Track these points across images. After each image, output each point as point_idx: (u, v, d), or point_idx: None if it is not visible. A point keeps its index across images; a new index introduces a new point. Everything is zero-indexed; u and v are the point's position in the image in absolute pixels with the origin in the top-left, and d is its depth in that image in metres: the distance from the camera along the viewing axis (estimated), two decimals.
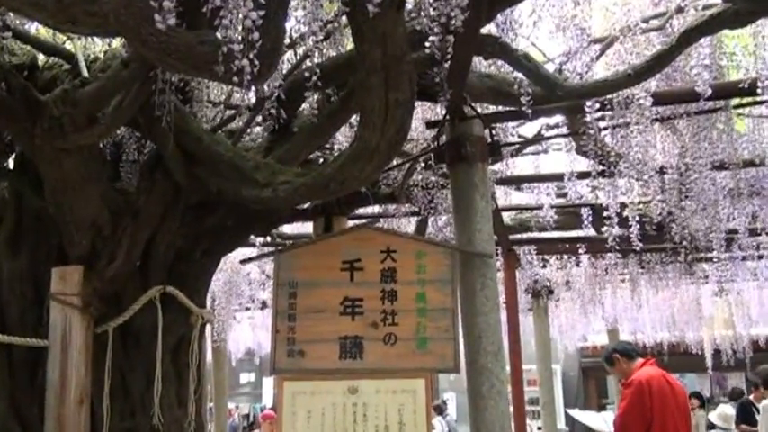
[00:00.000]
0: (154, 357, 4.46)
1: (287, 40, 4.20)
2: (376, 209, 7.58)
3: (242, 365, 24.33)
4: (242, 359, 21.11)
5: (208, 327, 5.34)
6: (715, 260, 8.76)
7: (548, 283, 12.95)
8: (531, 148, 7.17)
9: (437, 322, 4.31)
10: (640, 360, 7.66)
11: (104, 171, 4.39)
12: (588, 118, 4.89)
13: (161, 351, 4.48)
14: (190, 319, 4.74)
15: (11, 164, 4.71)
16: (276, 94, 3.94)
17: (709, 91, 4.70)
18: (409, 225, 7.92)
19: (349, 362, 4.30)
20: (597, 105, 4.85)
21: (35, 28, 4.61)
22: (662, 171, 6.34)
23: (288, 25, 3.45)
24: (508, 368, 5.87)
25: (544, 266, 11.10)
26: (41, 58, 4.50)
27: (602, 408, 19.34)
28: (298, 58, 4.56)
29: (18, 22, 4.07)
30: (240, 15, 2.60)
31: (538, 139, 6.70)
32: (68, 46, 4.53)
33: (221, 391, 13.13)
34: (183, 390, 4.77)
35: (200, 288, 4.98)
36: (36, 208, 4.49)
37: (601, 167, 6.07)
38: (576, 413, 16.21)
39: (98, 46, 4.59)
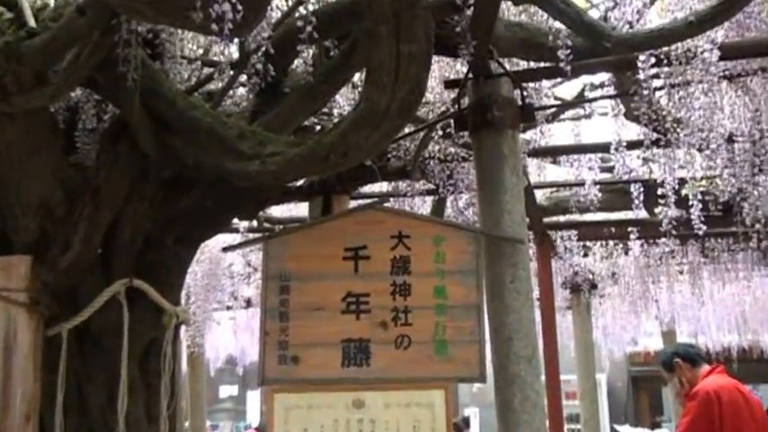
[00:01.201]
0: (118, 365, 4.45)
1: None
2: (384, 186, 7.57)
3: (222, 376, 24.41)
4: (222, 369, 21.17)
5: (183, 329, 5.32)
6: None
7: (590, 276, 12.88)
8: (570, 113, 7.15)
9: (459, 322, 4.32)
10: (707, 367, 7.33)
11: (57, 141, 4.35)
12: (640, 75, 4.87)
13: (126, 357, 4.46)
14: (161, 318, 4.72)
15: None
16: (264, 48, 3.92)
17: None
18: (424, 206, 7.91)
19: (353, 370, 4.31)
20: (652, 60, 4.82)
21: None
22: (730, 139, 6.29)
23: None
24: (543, 377, 5.86)
25: (586, 255, 11.07)
26: None
27: (655, 426, 19.37)
28: (290, 3, 4.54)
29: None
30: None
31: (579, 101, 6.67)
32: None
33: (198, 406, 13.16)
34: (154, 404, 4.76)
35: (174, 282, 4.97)
36: None
37: (655, 135, 6.05)
38: (627, 431, 16.21)
39: None
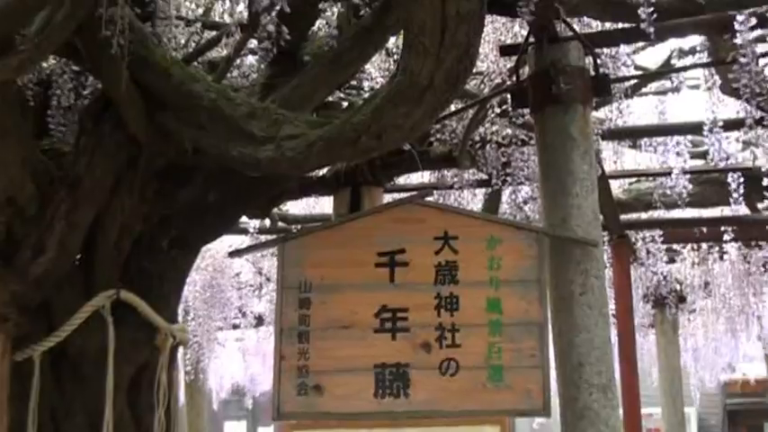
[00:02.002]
0: (102, 397, 4.45)
1: None
2: (426, 176, 7.56)
3: (227, 409, 24.54)
4: (228, 401, 21.29)
5: (181, 351, 5.33)
6: None
7: (677, 287, 12.83)
8: (654, 85, 7.11)
9: (518, 342, 4.31)
10: None
11: (26, 122, 4.34)
12: (739, 39, 4.82)
13: (112, 386, 4.47)
14: (155, 339, 4.73)
15: None
16: (279, 6, 3.89)
17: None
18: (475, 200, 7.90)
19: (389, 401, 4.30)
20: (753, 20, 4.77)
21: None
22: None
23: None
24: (620, 411, 5.84)
25: (672, 261, 11.03)
26: None
27: None
28: None
29: None
30: None
31: (665, 71, 6.64)
32: None
33: None
34: None
35: (170, 294, 4.97)
36: None
37: (759, 113, 5.99)
38: None
39: None
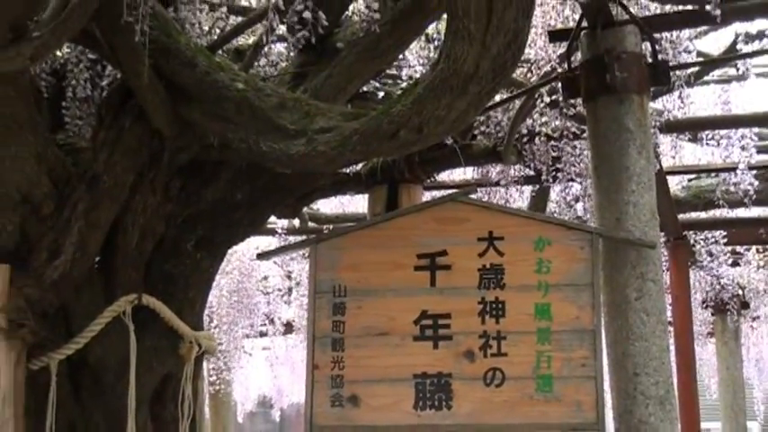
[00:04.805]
0: (123, 407, 4.47)
1: None
2: (469, 172, 7.56)
3: (254, 422, 24.58)
4: (254, 413, 21.32)
5: (206, 361, 5.35)
6: None
7: (740, 292, 12.77)
8: (717, 73, 7.08)
9: (569, 351, 4.30)
10: None
11: (40, 115, 4.35)
12: None
13: (134, 398, 4.49)
14: (179, 347, 4.75)
15: None
16: None
17: None
18: (522, 198, 7.89)
19: (430, 414, 4.31)
20: None
21: None
22: None
23: None
24: (678, 425, 5.83)
25: (735, 264, 10.99)
26: None
27: None
28: None
29: None
30: None
31: (730, 57, 6.61)
32: None
33: None
34: None
35: (195, 299, 5.00)
36: None
37: None
38: None
39: None
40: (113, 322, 4.46)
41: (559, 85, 5.21)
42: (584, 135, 5.33)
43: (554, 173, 6.61)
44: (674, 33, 5.70)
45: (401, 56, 5.19)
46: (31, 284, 4.25)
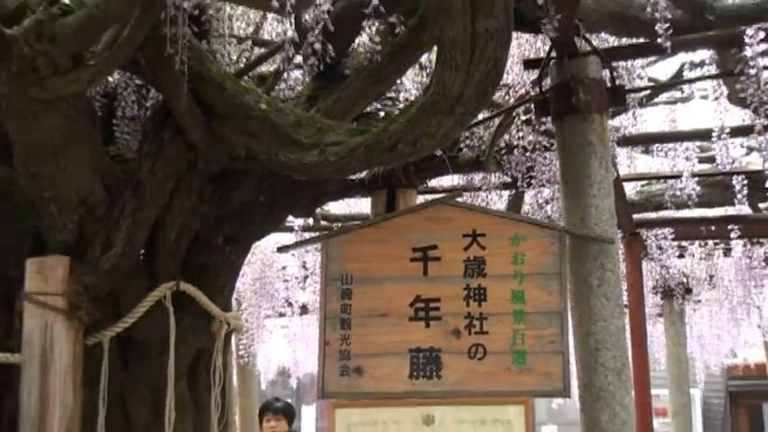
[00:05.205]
0: (164, 377, 4.47)
1: None
2: (456, 179, 7.55)
3: (274, 389, 24.46)
4: (274, 381, 21.20)
5: (234, 337, 5.34)
6: None
7: (684, 280, 12.76)
8: (665, 96, 7.09)
9: (540, 330, 4.29)
10: None
11: (95, 131, 4.31)
12: (748, 52, 4.79)
13: (173, 369, 4.49)
14: (211, 326, 4.75)
15: None
16: (323, 24, 3.88)
17: None
18: (500, 201, 7.88)
19: (422, 382, 4.30)
20: (761, 35, 4.75)
21: None
22: None
23: None
24: (632, 392, 5.82)
25: (681, 256, 10.98)
26: None
27: None
28: None
29: None
30: None
31: (676, 82, 6.61)
32: None
33: (249, 422, 13.19)
34: (203, 421, 4.79)
35: (225, 285, 4.99)
36: (3, 180, 4.47)
37: (764, 121, 5.97)
38: None
39: None
40: (155, 305, 4.45)
41: (532, 105, 5.21)
42: (554, 148, 5.32)
43: (528, 180, 6.59)
44: (630, 62, 5.69)
45: (399, 81, 5.17)
46: (87, 273, 4.25)
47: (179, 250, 4.67)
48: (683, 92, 7.05)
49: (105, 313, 4.40)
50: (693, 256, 11.09)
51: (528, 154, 6.42)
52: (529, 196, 7.53)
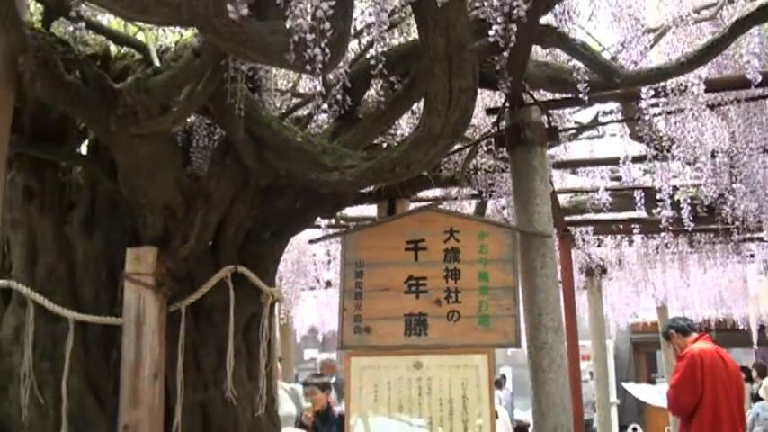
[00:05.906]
0: (225, 334, 4.45)
1: (351, 29, 4.13)
2: (437, 192, 7.53)
3: (306, 342, 24.40)
4: (306, 336, 21.12)
5: (276, 305, 5.31)
6: (765, 240, 8.71)
7: (601, 263, 12.79)
8: (586, 134, 7.07)
9: (499, 300, 4.27)
10: (695, 335, 7.73)
11: (176, 156, 4.33)
12: (643, 104, 4.89)
13: (232, 328, 4.46)
14: (260, 297, 4.72)
15: (84, 149, 4.69)
16: (342, 82, 3.87)
17: (759, 78, 4.59)
18: (469, 207, 7.87)
19: (414, 338, 4.28)
20: (652, 92, 4.83)
21: (107, 19, 4.58)
22: (713, 155, 6.23)
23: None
24: (565, 344, 5.81)
25: (598, 246, 11.00)
26: (114, 48, 4.45)
27: (652, 381, 19.12)
28: (363, 46, 4.49)
29: (90, 13, 4.03)
30: (310, 5, 2.56)
31: (594, 124, 6.60)
32: (140, 37, 4.50)
33: (288, 366, 13.20)
34: (254, 365, 4.75)
35: (270, 268, 4.95)
36: (109, 192, 4.44)
37: (654, 152, 6.02)
38: (632, 387, 15.96)
39: (169, 36, 4.55)
40: (220, 282, 4.45)
41: (493, 140, 5.20)
42: (508, 170, 5.28)
43: (490, 192, 6.57)
44: (561, 110, 5.70)
45: (397, 122, 5.15)
46: (170, 259, 4.24)
47: (237, 242, 4.64)
48: (598, 131, 7.05)
49: (183, 288, 4.39)
50: (607, 246, 11.13)
51: (489, 174, 6.42)
52: (490, 204, 7.52)
